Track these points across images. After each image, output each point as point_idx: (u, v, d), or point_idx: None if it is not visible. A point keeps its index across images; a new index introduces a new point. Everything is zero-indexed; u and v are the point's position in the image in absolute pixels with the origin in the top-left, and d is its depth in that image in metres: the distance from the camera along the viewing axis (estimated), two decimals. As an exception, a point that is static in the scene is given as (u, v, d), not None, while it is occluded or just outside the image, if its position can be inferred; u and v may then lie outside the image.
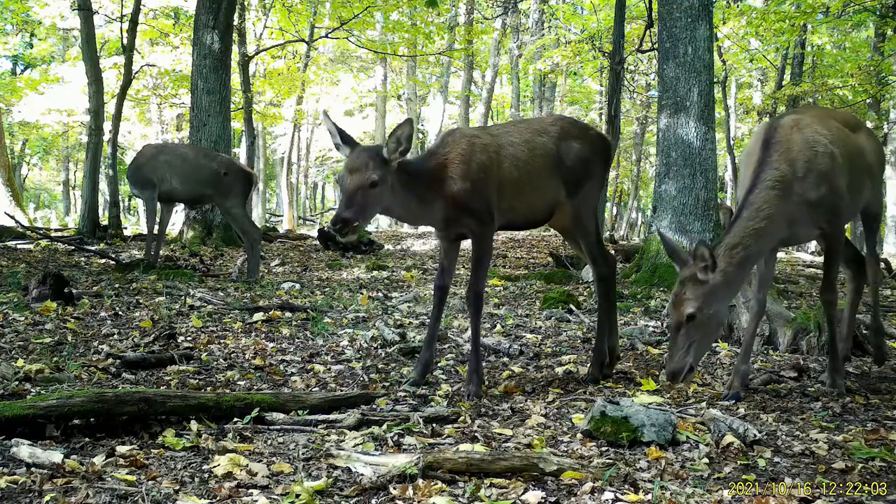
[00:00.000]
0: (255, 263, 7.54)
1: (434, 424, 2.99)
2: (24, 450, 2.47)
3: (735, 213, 3.46)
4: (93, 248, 9.39)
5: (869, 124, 18.68)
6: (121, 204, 13.93)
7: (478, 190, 3.56)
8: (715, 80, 9.22)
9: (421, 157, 3.64)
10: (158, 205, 7.63)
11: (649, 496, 2.29)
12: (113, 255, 8.54)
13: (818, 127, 3.60)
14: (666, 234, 3.46)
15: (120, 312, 5.21)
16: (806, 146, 3.48)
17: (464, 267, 9.72)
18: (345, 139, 3.44)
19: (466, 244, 3.79)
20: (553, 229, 4.42)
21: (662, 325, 5.51)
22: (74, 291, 5.61)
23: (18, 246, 9.77)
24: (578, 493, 2.32)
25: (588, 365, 4.06)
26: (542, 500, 2.26)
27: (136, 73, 14.94)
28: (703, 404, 3.42)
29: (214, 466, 2.46)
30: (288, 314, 5.47)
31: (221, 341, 4.57)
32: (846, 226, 4.63)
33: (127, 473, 2.38)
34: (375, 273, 8.53)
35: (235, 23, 12.41)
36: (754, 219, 3.37)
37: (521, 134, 3.77)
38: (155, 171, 7.49)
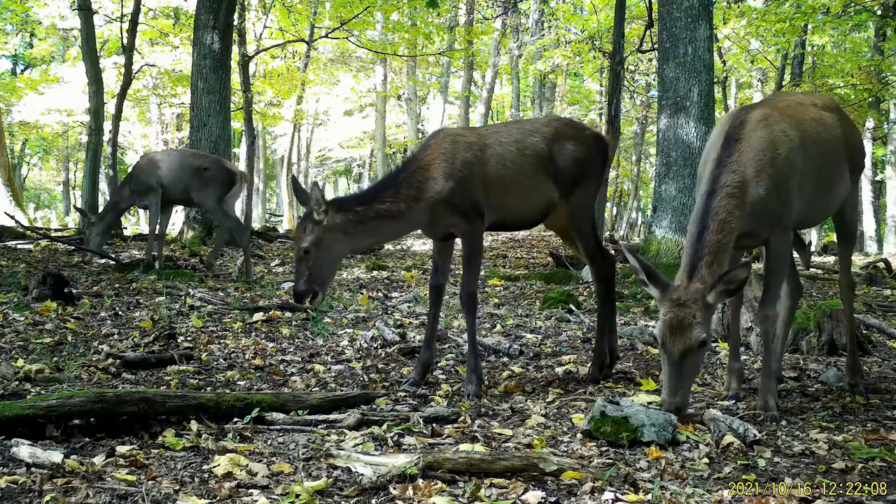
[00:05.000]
0: (215, 255, 8.15)
1: (434, 424, 2.99)
2: (24, 450, 2.46)
3: (699, 222, 3.09)
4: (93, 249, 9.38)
5: (869, 123, 18.69)
6: (121, 204, 13.87)
7: (463, 188, 3.56)
8: (715, 80, 9.21)
9: (398, 167, 3.70)
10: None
11: (649, 496, 2.29)
12: (113, 255, 8.55)
13: (785, 125, 3.30)
14: (636, 257, 3.07)
15: (120, 312, 5.21)
16: (768, 146, 3.20)
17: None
18: (301, 199, 3.53)
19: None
20: (550, 230, 4.41)
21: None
22: (74, 291, 5.61)
23: (18, 246, 9.76)
24: (578, 493, 2.32)
25: (588, 365, 4.06)
26: (542, 500, 2.26)
27: (136, 73, 14.94)
28: (703, 404, 3.41)
29: (214, 466, 2.46)
30: (288, 314, 5.47)
31: (221, 341, 4.57)
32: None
33: (127, 473, 2.38)
34: (375, 273, 8.53)
35: (235, 23, 12.39)
36: (721, 231, 3.06)
37: (511, 134, 3.77)
38: (151, 176, 7.78)
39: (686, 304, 2.95)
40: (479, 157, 3.63)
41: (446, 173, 3.55)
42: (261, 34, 18.08)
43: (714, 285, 2.95)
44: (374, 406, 3.27)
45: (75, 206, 9.63)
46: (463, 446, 2.74)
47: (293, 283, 3.60)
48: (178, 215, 12.67)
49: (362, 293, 6.69)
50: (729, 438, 2.81)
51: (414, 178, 3.59)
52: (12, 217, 10.90)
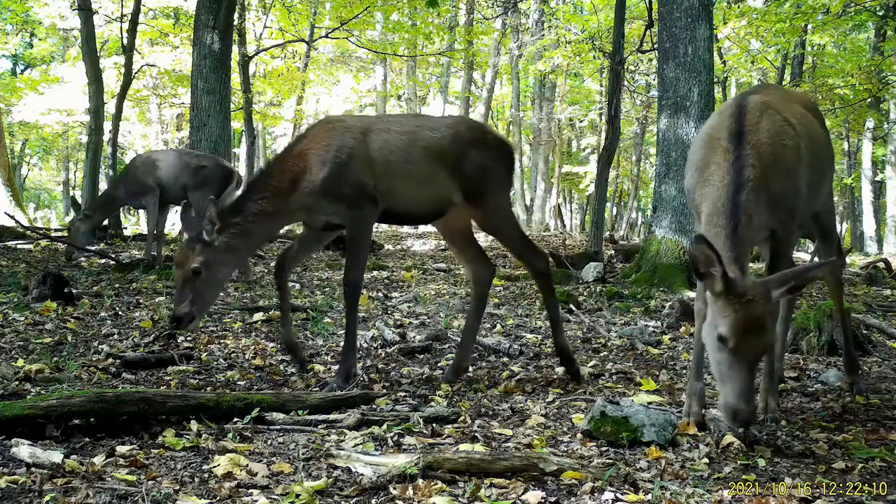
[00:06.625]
0: None
1: (434, 424, 2.99)
2: (24, 450, 2.46)
3: (731, 216, 2.88)
4: (93, 248, 9.39)
5: (869, 123, 18.67)
6: (121, 204, 13.90)
7: (341, 173, 3.51)
8: (715, 80, 9.21)
9: (268, 160, 3.72)
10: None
11: (649, 496, 2.29)
12: (113, 255, 8.56)
13: (786, 114, 3.20)
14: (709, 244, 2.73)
15: (120, 312, 5.21)
16: (776, 137, 3.07)
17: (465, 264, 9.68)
18: (187, 226, 3.60)
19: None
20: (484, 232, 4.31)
21: (662, 324, 5.52)
22: (74, 291, 5.61)
23: (18, 246, 9.77)
24: (578, 493, 2.32)
25: (588, 365, 4.06)
26: (542, 500, 2.26)
27: (136, 72, 14.94)
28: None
29: (214, 466, 2.46)
30: (288, 314, 5.46)
31: (221, 341, 4.57)
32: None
33: (127, 473, 2.38)
34: (375, 273, 8.52)
35: (235, 23, 12.40)
36: (750, 227, 2.89)
37: (405, 125, 3.73)
38: (148, 175, 7.83)
39: (756, 300, 2.68)
40: (359, 140, 3.56)
41: (321, 159, 3.50)
42: (261, 34, 18.09)
43: (785, 281, 2.73)
44: (374, 406, 3.27)
45: (73, 199, 9.63)
46: (463, 446, 2.74)
47: (173, 307, 3.54)
48: (177, 215, 12.67)
49: (362, 293, 6.68)
50: (729, 438, 2.81)
51: (288, 168, 3.55)
52: (12, 217, 10.90)
